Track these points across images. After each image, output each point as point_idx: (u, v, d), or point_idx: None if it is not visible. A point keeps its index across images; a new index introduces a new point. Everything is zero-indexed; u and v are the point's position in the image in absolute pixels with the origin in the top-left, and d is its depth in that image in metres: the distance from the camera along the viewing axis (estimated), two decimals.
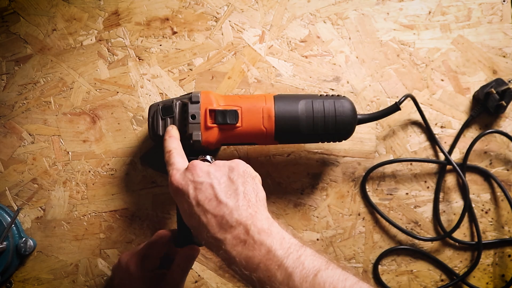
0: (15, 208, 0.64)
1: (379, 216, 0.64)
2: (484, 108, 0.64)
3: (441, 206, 0.64)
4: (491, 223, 0.64)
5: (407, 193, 0.64)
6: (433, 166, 0.65)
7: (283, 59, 0.66)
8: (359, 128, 0.62)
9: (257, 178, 0.47)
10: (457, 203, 0.64)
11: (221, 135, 0.54)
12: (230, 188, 0.44)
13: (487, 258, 0.64)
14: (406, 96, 0.60)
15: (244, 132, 0.54)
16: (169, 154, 0.50)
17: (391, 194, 0.64)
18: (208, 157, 0.51)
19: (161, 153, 0.63)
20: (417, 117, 0.65)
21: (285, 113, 0.54)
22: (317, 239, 0.64)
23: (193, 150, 0.56)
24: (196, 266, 0.63)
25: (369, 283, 0.38)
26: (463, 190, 0.64)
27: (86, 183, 0.65)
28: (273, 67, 0.66)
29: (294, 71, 0.66)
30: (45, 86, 0.66)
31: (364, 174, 0.64)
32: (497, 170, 0.65)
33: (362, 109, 0.65)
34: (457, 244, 0.64)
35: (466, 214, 0.63)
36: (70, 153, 0.65)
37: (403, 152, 0.65)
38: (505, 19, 0.66)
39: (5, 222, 0.61)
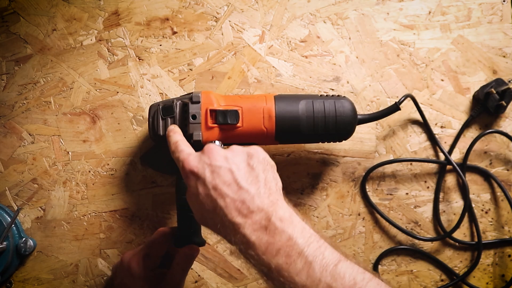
0: (15, 208, 0.64)
1: (379, 216, 0.64)
2: (484, 108, 0.64)
3: (441, 206, 0.64)
4: (491, 223, 0.64)
5: (407, 193, 0.64)
6: (433, 166, 0.65)
7: (283, 59, 0.66)
8: (359, 128, 0.62)
9: (275, 167, 0.46)
10: (457, 203, 0.64)
11: (222, 135, 0.54)
12: (250, 175, 0.43)
13: (487, 258, 0.64)
14: (406, 96, 0.60)
15: (245, 132, 0.54)
16: (176, 144, 0.49)
17: (391, 194, 0.64)
18: (217, 142, 0.51)
19: (161, 153, 0.64)
20: (417, 117, 0.65)
21: (285, 113, 0.54)
22: None
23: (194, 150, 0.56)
24: (196, 266, 0.63)
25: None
26: (463, 190, 0.64)
27: (86, 183, 0.64)
28: (273, 67, 0.66)
29: (294, 71, 0.66)
30: (45, 86, 0.66)
31: (364, 174, 0.64)
32: (497, 170, 0.65)
33: (362, 109, 0.65)
34: (457, 244, 0.64)
35: (466, 214, 0.63)
36: (70, 153, 0.65)
37: (403, 152, 0.65)
38: (505, 19, 0.66)
39: (5, 222, 0.61)
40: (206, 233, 0.64)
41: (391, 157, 0.65)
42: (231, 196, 0.41)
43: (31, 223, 0.64)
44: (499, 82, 0.64)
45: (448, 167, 0.64)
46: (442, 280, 0.64)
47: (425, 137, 0.65)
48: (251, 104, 0.55)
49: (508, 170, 0.65)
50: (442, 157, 0.64)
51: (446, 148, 0.65)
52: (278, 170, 0.64)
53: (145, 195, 0.64)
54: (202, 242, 0.56)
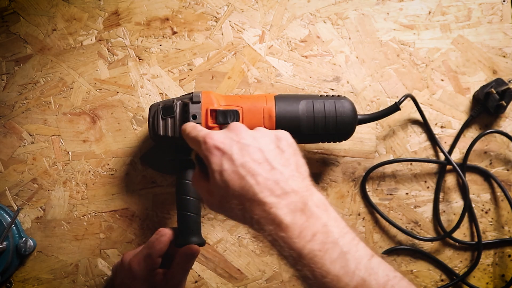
0: (15, 208, 0.64)
1: (379, 216, 0.64)
2: (484, 108, 0.64)
3: (441, 206, 0.64)
4: (491, 223, 0.64)
5: (407, 193, 0.64)
6: (433, 166, 0.65)
7: (283, 59, 0.66)
8: (359, 128, 0.62)
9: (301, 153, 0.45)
10: (457, 203, 0.64)
11: None
12: (281, 157, 0.42)
13: (487, 258, 0.64)
14: (406, 96, 0.60)
15: None
16: (194, 126, 0.47)
17: (391, 194, 0.64)
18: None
19: (161, 153, 0.64)
20: (417, 117, 0.65)
21: (286, 113, 0.54)
22: None
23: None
24: (196, 266, 0.63)
25: None
26: (463, 190, 0.64)
27: (86, 183, 0.64)
28: (273, 67, 0.66)
29: (294, 71, 0.66)
30: (45, 86, 0.66)
31: (364, 174, 0.64)
32: (497, 170, 0.65)
33: (362, 109, 0.65)
34: (457, 244, 0.64)
35: (466, 214, 0.63)
36: (70, 153, 0.65)
37: (403, 152, 0.65)
38: (505, 19, 0.66)
39: (5, 222, 0.61)
40: (206, 233, 0.64)
41: (391, 157, 0.65)
42: (263, 175, 0.40)
43: (31, 223, 0.64)
44: (499, 82, 0.64)
45: (448, 167, 0.64)
46: (442, 280, 0.64)
47: (425, 137, 0.65)
48: (251, 104, 0.55)
49: (508, 170, 0.65)
50: (442, 157, 0.64)
51: (446, 148, 0.65)
52: None
53: (145, 195, 0.64)
54: (202, 242, 0.56)
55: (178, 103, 0.55)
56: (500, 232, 0.64)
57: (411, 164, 0.65)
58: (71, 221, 0.64)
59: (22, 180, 0.65)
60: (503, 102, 0.63)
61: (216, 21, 0.67)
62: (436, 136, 0.64)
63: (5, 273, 0.61)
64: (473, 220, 0.64)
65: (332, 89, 0.66)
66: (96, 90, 0.66)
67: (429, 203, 0.65)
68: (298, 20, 0.67)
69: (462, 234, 0.64)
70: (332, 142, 0.59)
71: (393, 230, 0.64)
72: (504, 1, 0.66)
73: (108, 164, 0.65)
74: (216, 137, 0.43)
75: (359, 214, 0.64)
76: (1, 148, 0.65)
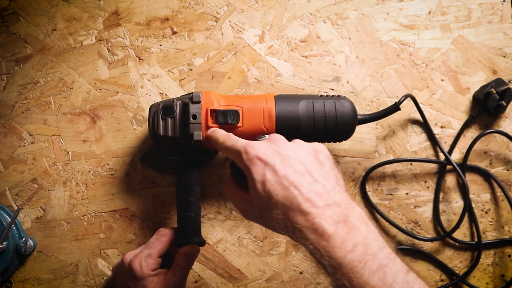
0: (15, 208, 0.64)
1: (379, 216, 0.64)
2: (484, 108, 0.64)
3: (441, 206, 0.64)
4: (491, 223, 0.64)
5: (407, 193, 0.64)
6: (433, 166, 0.65)
7: (283, 59, 0.66)
8: (359, 128, 0.62)
9: None
10: (457, 203, 0.64)
11: None
12: (321, 169, 0.43)
13: (487, 258, 0.64)
14: (406, 96, 0.60)
15: (245, 132, 0.54)
16: (227, 135, 0.49)
17: (391, 194, 0.64)
18: (266, 136, 0.50)
19: (161, 153, 0.64)
20: (417, 117, 0.65)
21: (286, 113, 0.54)
22: None
23: (194, 150, 0.56)
24: (196, 266, 0.63)
25: None
26: (463, 190, 0.64)
27: (86, 183, 0.64)
28: (273, 67, 0.66)
29: (294, 71, 0.66)
30: (45, 86, 0.66)
31: (364, 174, 0.64)
32: (497, 170, 0.65)
33: (362, 109, 0.65)
34: (457, 244, 0.64)
35: (466, 214, 0.63)
36: (70, 153, 0.65)
37: (403, 152, 0.65)
38: (505, 19, 0.66)
39: (5, 222, 0.61)
40: (206, 233, 0.64)
41: (391, 157, 0.65)
42: (306, 186, 0.41)
43: (31, 223, 0.64)
44: (499, 82, 0.64)
45: (448, 167, 0.64)
46: (442, 280, 0.64)
47: (425, 137, 0.65)
48: (251, 104, 0.55)
49: (508, 170, 0.65)
50: (442, 157, 0.64)
51: (446, 148, 0.65)
52: None
53: (145, 195, 0.64)
54: (202, 242, 0.56)
55: (178, 103, 0.55)
56: (500, 232, 0.64)
57: (411, 164, 0.65)
58: (71, 221, 0.64)
59: (22, 180, 0.65)
60: (503, 102, 0.63)
61: (216, 21, 0.67)
62: (436, 136, 0.64)
63: (5, 273, 0.61)
64: (473, 220, 0.64)
65: (332, 89, 0.66)
66: (96, 90, 0.66)
67: (429, 203, 0.65)
68: (298, 20, 0.67)
69: (462, 234, 0.64)
70: (332, 142, 0.59)
71: (393, 230, 0.64)
72: (504, 1, 0.66)
73: (108, 164, 0.65)
74: (258, 148, 0.44)
75: None
76: (1, 148, 0.65)
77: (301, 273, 0.63)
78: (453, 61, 0.66)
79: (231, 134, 0.49)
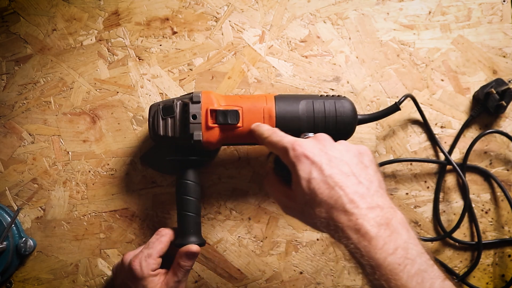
0: (15, 208, 0.64)
1: None
2: (484, 108, 0.64)
3: (441, 206, 0.64)
4: (491, 223, 0.64)
5: (407, 193, 0.64)
6: (433, 166, 0.65)
7: (283, 59, 0.66)
8: (359, 128, 0.62)
9: None
10: (457, 203, 0.64)
11: (222, 135, 0.54)
12: (366, 172, 0.44)
13: (487, 258, 0.64)
14: (406, 96, 0.60)
15: (245, 132, 0.54)
16: (272, 130, 0.50)
17: (391, 194, 0.64)
18: (310, 134, 0.51)
19: (161, 153, 0.64)
20: (417, 117, 0.65)
21: (286, 113, 0.54)
22: (317, 239, 0.64)
23: (194, 150, 0.56)
24: (196, 266, 0.63)
25: None
26: (463, 190, 0.64)
27: (86, 183, 0.64)
28: (273, 67, 0.66)
29: (294, 71, 0.66)
30: (45, 86, 0.66)
31: None
32: (497, 170, 0.65)
33: (362, 109, 0.65)
34: (457, 244, 0.64)
35: (466, 214, 0.63)
36: (70, 153, 0.65)
37: (403, 152, 0.65)
38: (505, 19, 0.66)
39: (5, 222, 0.61)
40: (206, 233, 0.64)
41: (391, 157, 0.65)
42: (351, 187, 0.42)
43: (31, 223, 0.64)
44: (499, 82, 0.64)
45: (448, 167, 0.64)
46: None
47: (425, 137, 0.65)
48: (251, 104, 0.55)
49: (508, 170, 0.65)
50: (442, 157, 0.64)
51: (446, 148, 0.65)
52: None
53: (145, 195, 0.64)
54: (202, 242, 0.56)
55: (178, 103, 0.55)
56: (500, 232, 0.64)
57: (411, 164, 0.65)
58: (71, 221, 0.64)
59: (22, 180, 0.65)
60: (503, 102, 0.63)
61: (216, 21, 0.67)
62: (436, 136, 0.64)
63: (5, 273, 0.61)
64: (473, 220, 0.64)
65: (332, 89, 0.66)
66: (96, 90, 0.66)
67: (429, 203, 0.65)
68: (298, 20, 0.67)
69: (462, 234, 0.64)
70: None
71: None
72: (504, 1, 0.66)
73: (108, 164, 0.65)
74: (305, 146, 0.45)
75: None
76: (1, 148, 0.65)
77: (301, 273, 0.63)
78: (453, 61, 0.66)
79: (276, 129, 0.51)
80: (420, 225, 0.64)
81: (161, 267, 0.55)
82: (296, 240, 0.64)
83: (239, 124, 0.54)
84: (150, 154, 0.64)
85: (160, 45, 0.66)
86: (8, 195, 0.65)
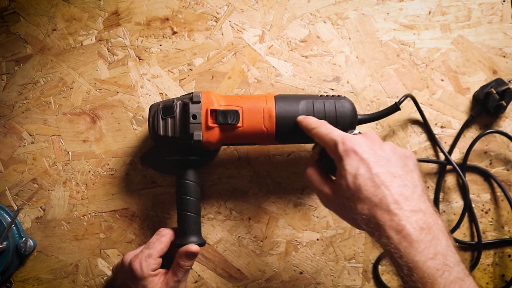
0: (15, 208, 0.64)
1: None
2: (484, 108, 0.64)
3: (441, 206, 0.64)
4: (491, 223, 0.64)
5: None
6: (433, 166, 0.65)
7: (283, 59, 0.66)
8: (359, 128, 0.62)
9: None
10: (457, 203, 0.64)
11: (222, 135, 0.54)
12: (411, 176, 0.45)
13: (487, 258, 0.64)
14: (406, 96, 0.60)
15: (245, 132, 0.54)
16: (321, 122, 0.51)
17: None
18: (356, 131, 0.51)
19: (161, 153, 0.64)
20: (417, 117, 0.65)
21: (286, 113, 0.54)
22: (317, 239, 0.64)
23: (194, 150, 0.56)
24: (196, 266, 0.63)
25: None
26: (463, 190, 0.64)
27: (86, 183, 0.64)
28: (273, 67, 0.66)
29: (294, 71, 0.66)
30: (45, 86, 0.66)
31: None
32: (497, 170, 0.65)
33: (362, 109, 0.65)
34: (457, 244, 0.64)
35: (466, 214, 0.63)
36: (70, 153, 0.65)
37: None
38: (505, 19, 0.66)
39: (5, 222, 0.61)
40: (206, 233, 0.64)
41: None
42: (396, 188, 0.42)
43: (31, 223, 0.64)
44: (499, 82, 0.64)
45: (448, 167, 0.64)
46: None
47: (425, 137, 0.65)
48: (251, 104, 0.55)
49: (508, 170, 0.65)
50: (442, 157, 0.64)
51: (446, 148, 0.65)
52: (278, 170, 0.65)
53: (145, 195, 0.64)
54: (202, 242, 0.56)
55: (178, 103, 0.55)
56: (500, 232, 0.64)
57: None
58: (71, 221, 0.64)
59: (22, 180, 0.65)
60: (503, 102, 0.63)
61: (216, 21, 0.67)
62: (436, 136, 0.64)
63: (5, 273, 0.61)
64: (473, 220, 0.64)
65: (332, 89, 0.66)
66: (96, 90, 0.66)
67: None
68: (298, 20, 0.67)
69: (462, 234, 0.64)
70: None
71: None
72: (504, 1, 0.66)
73: (108, 164, 0.65)
74: (356, 141, 0.45)
75: None
76: (1, 148, 0.65)
77: (301, 273, 0.63)
78: (453, 61, 0.66)
79: (325, 121, 0.51)
80: None
81: (161, 267, 0.55)
82: (296, 240, 0.64)
83: (239, 124, 0.54)
84: (150, 154, 0.64)
85: (160, 45, 0.66)
86: (8, 195, 0.65)
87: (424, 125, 0.65)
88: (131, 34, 0.67)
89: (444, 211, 0.64)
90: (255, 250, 0.64)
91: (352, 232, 0.64)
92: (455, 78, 0.66)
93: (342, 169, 0.45)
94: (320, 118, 0.55)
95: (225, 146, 0.64)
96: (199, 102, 0.54)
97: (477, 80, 0.66)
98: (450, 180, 0.65)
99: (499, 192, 0.64)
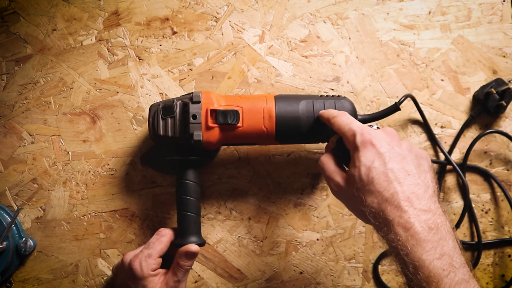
0: (15, 208, 0.64)
1: None
2: (484, 108, 0.64)
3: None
4: (491, 223, 0.64)
5: None
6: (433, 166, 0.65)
7: (283, 59, 0.66)
8: None
9: None
10: (457, 203, 0.64)
11: (222, 135, 0.54)
12: (425, 176, 0.45)
13: (487, 258, 0.64)
14: (406, 96, 0.60)
15: (245, 132, 0.54)
16: (342, 113, 0.51)
17: None
18: (375, 126, 0.51)
19: (161, 153, 0.64)
20: (417, 117, 0.65)
21: (286, 114, 0.54)
22: (317, 239, 0.64)
23: (194, 150, 0.56)
24: (196, 266, 0.63)
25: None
26: (463, 190, 0.64)
27: (86, 183, 0.64)
28: (273, 67, 0.66)
29: (294, 71, 0.66)
30: (45, 86, 0.66)
31: None
32: (497, 170, 0.65)
33: (362, 109, 0.65)
34: (462, 246, 0.64)
35: (466, 214, 0.63)
36: (70, 153, 0.65)
37: None
38: (505, 19, 0.66)
39: (5, 222, 0.61)
40: (206, 233, 0.64)
41: None
42: (409, 186, 0.42)
43: (31, 223, 0.64)
44: (499, 82, 0.64)
45: (448, 167, 0.64)
46: None
47: (425, 137, 0.65)
48: (251, 104, 0.55)
49: (508, 170, 0.65)
50: (442, 157, 0.64)
51: (446, 148, 0.65)
52: (278, 170, 0.64)
53: (145, 195, 0.64)
54: (202, 242, 0.56)
55: (178, 103, 0.55)
56: (500, 232, 0.64)
57: None
58: (71, 221, 0.64)
59: (22, 180, 0.65)
60: (503, 102, 0.63)
61: (216, 21, 0.67)
62: (436, 136, 0.64)
63: (5, 273, 0.61)
64: (473, 220, 0.64)
65: (332, 89, 0.66)
66: (96, 90, 0.66)
67: None
68: (298, 20, 0.67)
69: (462, 234, 0.64)
70: None
71: None
72: (504, 1, 0.66)
73: (108, 164, 0.65)
74: (374, 134, 0.46)
75: None
76: (1, 148, 0.65)
77: (301, 273, 0.63)
78: (453, 61, 0.66)
79: (345, 112, 0.51)
80: None
81: (161, 267, 0.55)
82: (296, 240, 0.64)
83: (239, 124, 0.54)
84: (150, 154, 0.64)
85: (160, 45, 0.66)
86: (8, 195, 0.65)
87: (424, 125, 0.65)
88: (131, 34, 0.67)
89: (444, 211, 0.64)
90: (255, 250, 0.64)
91: (352, 232, 0.64)
92: (455, 78, 0.66)
93: (357, 160, 0.45)
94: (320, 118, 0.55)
95: (225, 146, 0.64)
96: (199, 102, 0.54)
97: (477, 80, 0.66)
98: (450, 180, 0.65)
99: (499, 192, 0.64)
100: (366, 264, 0.64)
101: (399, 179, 0.43)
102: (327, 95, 0.58)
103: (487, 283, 0.64)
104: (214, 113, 0.54)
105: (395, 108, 0.59)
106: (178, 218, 0.56)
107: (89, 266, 0.64)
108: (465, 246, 0.64)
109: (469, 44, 0.66)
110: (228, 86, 0.66)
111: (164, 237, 0.55)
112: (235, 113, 0.54)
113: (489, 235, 0.64)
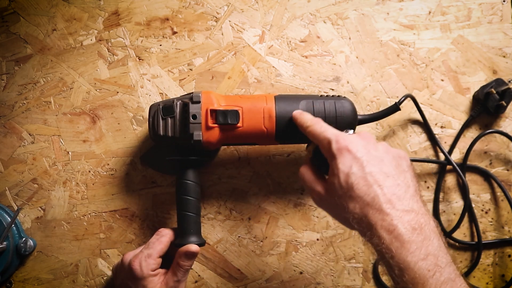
0: (15, 208, 0.64)
1: None
2: (484, 108, 0.64)
3: (441, 206, 0.64)
4: (491, 223, 0.64)
5: None
6: (433, 166, 0.65)
7: (283, 59, 0.66)
8: (359, 128, 0.62)
9: None
10: (457, 203, 0.64)
11: (222, 135, 0.54)
12: (404, 176, 0.44)
13: (487, 258, 0.64)
14: (406, 96, 0.60)
15: (245, 132, 0.54)
16: (315, 120, 0.50)
17: None
18: (351, 131, 0.51)
19: (161, 153, 0.64)
20: (417, 117, 0.65)
21: (286, 114, 0.54)
22: (317, 239, 0.64)
23: (194, 150, 0.56)
24: (196, 266, 0.63)
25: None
26: (463, 190, 0.64)
27: (86, 183, 0.64)
28: (273, 67, 0.66)
29: (294, 71, 0.66)
30: (45, 86, 0.66)
31: None
32: (497, 170, 0.65)
33: (362, 109, 0.65)
34: (457, 244, 0.64)
35: (466, 214, 0.63)
36: (70, 153, 0.65)
37: None
38: (505, 19, 0.66)
39: (5, 222, 0.61)
40: (206, 233, 0.64)
41: None
42: (389, 188, 0.42)
43: (31, 223, 0.64)
44: (499, 82, 0.64)
45: (448, 167, 0.64)
46: None
47: (425, 137, 0.65)
48: (251, 104, 0.55)
49: (508, 170, 0.65)
50: (442, 157, 0.64)
51: (446, 148, 0.65)
52: (278, 170, 0.64)
53: (145, 195, 0.64)
54: (202, 242, 0.56)
55: (178, 103, 0.55)
56: (500, 232, 0.64)
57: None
58: (71, 221, 0.64)
59: (22, 180, 0.65)
60: (503, 102, 0.63)
61: (216, 21, 0.67)
62: (436, 136, 0.64)
63: (5, 273, 0.61)
64: (473, 220, 0.64)
65: (332, 89, 0.66)
66: (96, 90, 0.66)
67: (429, 203, 0.65)
68: (298, 20, 0.67)
69: (462, 234, 0.64)
70: None
71: None
72: (504, 1, 0.66)
73: (108, 164, 0.65)
74: (350, 140, 0.45)
75: None
76: (1, 148, 0.65)
77: (301, 273, 0.63)
78: (453, 61, 0.66)
79: (319, 119, 0.51)
80: None
81: (161, 267, 0.55)
82: (296, 240, 0.64)
83: (239, 124, 0.54)
84: (150, 154, 0.64)
85: (160, 45, 0.66)
86: (8, 195, 0.65)
87: (424, 125, 0.65)
88: (131, 34, 0.67)
89: (444, 211, 0.64)
90: (255, 250, 0.64)
91: (352, 232, 0.64)
92: (455, 78, 0.66)
93: (335, 168, 0.45)
94: (320, 118, 0.55)
95: (225, 146, 0.64)
96: (199, 102, 0.54)
97: (477, 80, 0.66)
98: (450, 180, 0.65)
99: (499, 192, 0.64)
100: (366, 264, 0.64)
101: (379, 182, 0.42)
102: (327, 95, 0.58)
103: (487, 283, 0.64)
104: (214, 113, 0.54)
105: (395, 108, 0.59)
106: (178, 218, 0.56)
107: (89, 266, 0.64)
108: (465, 246, 0.64)
109: (469, 44, 0.66)
110: (228, 86, 0.66)
111: (164, 237, 0.55)
112: (235, 113, 0.54)
113: (489, 235, 0.64)
